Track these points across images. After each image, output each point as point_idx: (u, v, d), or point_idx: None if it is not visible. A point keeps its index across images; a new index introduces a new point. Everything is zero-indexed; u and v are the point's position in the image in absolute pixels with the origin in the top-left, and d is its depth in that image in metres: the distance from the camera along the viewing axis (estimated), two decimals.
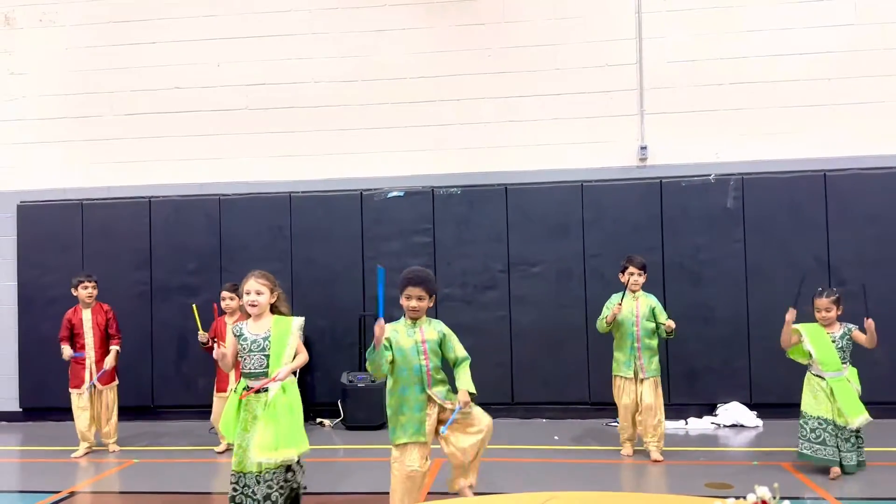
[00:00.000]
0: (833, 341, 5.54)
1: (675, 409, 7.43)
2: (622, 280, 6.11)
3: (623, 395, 6.07)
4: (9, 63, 8.70)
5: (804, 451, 5.48)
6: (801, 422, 5.54)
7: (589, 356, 7.62)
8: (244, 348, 4.19)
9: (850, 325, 5.65)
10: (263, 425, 4.05)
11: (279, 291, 4.34)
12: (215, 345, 4.46)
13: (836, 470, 5.35)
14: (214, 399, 6.70)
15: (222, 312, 6.52)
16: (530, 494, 2.22)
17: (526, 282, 7.82)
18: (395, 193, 8.03)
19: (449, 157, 8.11)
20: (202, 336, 6.37)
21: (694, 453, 6.25)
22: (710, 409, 7.50)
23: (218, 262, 8.14)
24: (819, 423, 5.42)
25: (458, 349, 4.28)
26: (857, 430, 5.44)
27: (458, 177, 8.04)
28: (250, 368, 4.19)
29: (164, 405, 8.08)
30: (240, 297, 6.55)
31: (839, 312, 5.62)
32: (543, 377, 7.72)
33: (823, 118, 7.74)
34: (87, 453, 6.64)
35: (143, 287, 8.20)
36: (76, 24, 8.64)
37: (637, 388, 6.02)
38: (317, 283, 7.97)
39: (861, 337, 5.57)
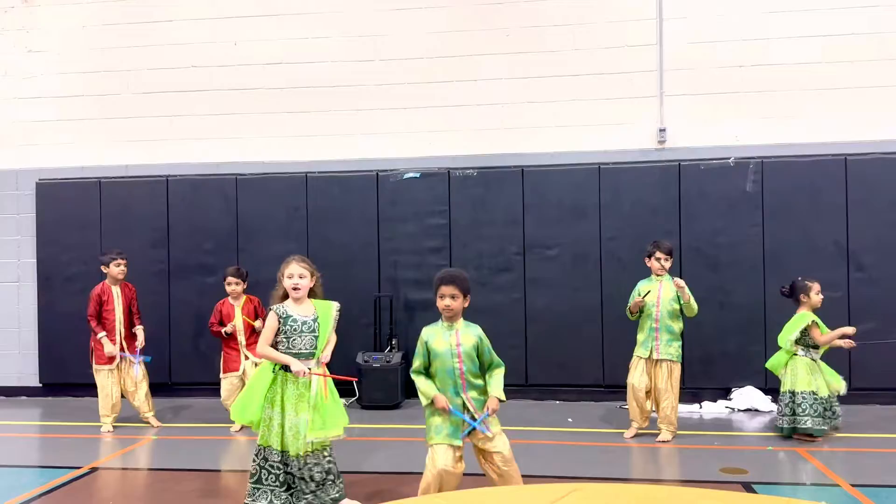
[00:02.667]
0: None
1: (689, 393, 7.44)
2: (648, 265, 6.13)
3: (633, 372, 6.14)
4: (27, 41, 8.72)
5: (810, 426, 5.93)
6: (795, 399, 6.02)
7: (604, 339, 7.62)
8: (294, 329, 4.29)
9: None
10: (315, 407, 4.24)
11: (317, 275, 4.48)
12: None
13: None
14: (223, 379, 6.79)
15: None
16: (553, 485, 2.23)
17: (541, 264, 7.81)
18: (410, 174, 8.01)
19: (465, 139, 8.08)
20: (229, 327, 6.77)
21: (708, 437, 6.26)
22: (725, 393, 7.50)
23: (234, 242, 8.18)
24: (814, 399, 5.99)
25: (493, 355, 4.22)
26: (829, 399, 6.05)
27: (474, 158, 8.01)
28: (300, 348, 4.31)
29: (181, 382, 8.17)
30: (244, 280, 6.83)
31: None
32: (558, 359, 7.74)
33: (845, 102, 7.63)
34: (114, 428, 6.77)
35: (161, 265, 8.26)
36: (93, 1, 8.63)
37: (652, 370, 6.08)
38: (332, 263, 7.93)
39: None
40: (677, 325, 6.06)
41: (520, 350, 7.76)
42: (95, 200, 8.39)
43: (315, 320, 4.35)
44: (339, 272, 7.96)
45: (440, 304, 4.18)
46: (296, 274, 4.35)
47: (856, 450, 5.81)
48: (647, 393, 6.13)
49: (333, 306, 4.46)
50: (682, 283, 5.93)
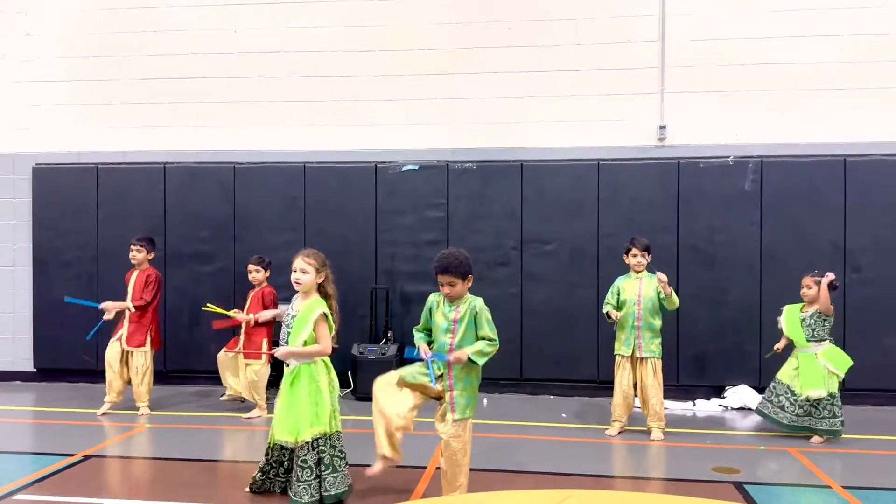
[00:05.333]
0: (802, 320, 6.03)
1: (683, 390, 7.46)
2: (626, 262, 6.19)
3: (618, 372, 6.19)
4: (25, 24, 8.66)
5: (760, 409, 6.24)
6: (771, 384, 6.24)
7: (599, 335, 7.62)
8: (284, 321, 4.48)
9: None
10: (285, 407, 4.35)
11: (326, 272, 4.48)
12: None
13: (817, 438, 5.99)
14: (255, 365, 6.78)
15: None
16: (547, 491, 2.22)
17: (539, 260, 7.80)
18: (409, 167, 7.99)
19: (465, 132, 8.05)
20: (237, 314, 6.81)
21: (700, 436, 6.27)
22: (719, 391, 7.52)
23: (231, 231, 8.16)
24: (784, 389, 6.07)
25: (485, 328, 4.22)
26: (817, 401, 5.91)
27: (473, 152, 7.98)
28: (281, 339, 4.49)
29: (176, 370, 8.16)
30: (265, 268, 6.93)
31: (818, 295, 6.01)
32: (553, 355, 7.74)
33: (847, 102, 7.61)
34: (108, 410, 6.80)
35: (157, 253, 8.19)
36: None
37: (637, 368, 6.11)
38: (329, 254, 7.64)
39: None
40: (658, 322, 6.09)
41: (515, 345, 7.76)
42: (92, 186, 8.36)
43: (293, 317, 4.40)
44: (336, 263, 7.76)
45: (441, 290, 4.25)
46: (298, 269, 4.42)
47: (847, 451, 5.82)
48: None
49: (315, 309, 4.36)
50: (664, 277, 5.91)
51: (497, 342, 4.26)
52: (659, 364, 6.10)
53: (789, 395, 6.02)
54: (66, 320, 8.14)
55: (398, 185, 8.00)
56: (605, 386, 7.57)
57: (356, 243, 7.99)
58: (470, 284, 4.26)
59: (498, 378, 7.81)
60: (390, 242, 8.00)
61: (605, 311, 6.21)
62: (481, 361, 4.20)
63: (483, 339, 4.22)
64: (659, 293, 6.01)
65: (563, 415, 7.01)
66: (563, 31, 7.96)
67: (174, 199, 8.27)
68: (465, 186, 7.91)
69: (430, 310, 4.33)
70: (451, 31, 8.09)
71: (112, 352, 6.80)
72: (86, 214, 8.32)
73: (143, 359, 6.83)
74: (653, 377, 6.05)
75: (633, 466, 5.57)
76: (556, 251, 7.78)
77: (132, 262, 6.93)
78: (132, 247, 6.93)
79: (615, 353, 6.23)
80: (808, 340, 5.98)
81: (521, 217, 7.83)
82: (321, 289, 4.48)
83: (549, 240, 7.79)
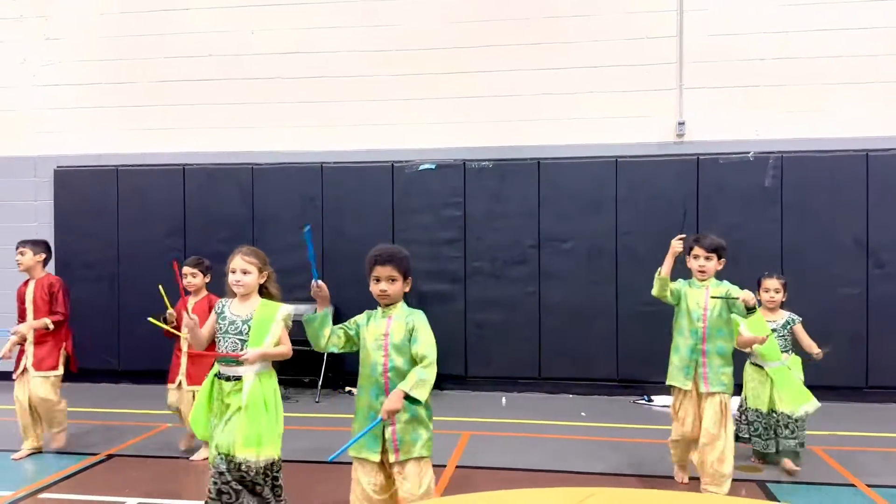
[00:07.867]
0: (774, 330, 5.09)
1: None
2: (689, 265, 4.66)
3: (680, 410, 4.63)
4: (45, 28, 8.76)
5: (742, 435, 5.23)
6: (739, 409, 5.35)
7: (618, 334, 7.59)
8: (221, 328, 3.80)
9: (795, 317, 5.26)
10: (235, 419, 3.65)
11: (269, 271, 3.93)
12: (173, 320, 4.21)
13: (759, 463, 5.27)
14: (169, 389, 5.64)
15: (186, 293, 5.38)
16: (569, 489, 2.21)
17: (556, 258, 7.77)
18: (426, 166, 7.99)
19: (482, 130, 8.04)
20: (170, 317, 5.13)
21: None
22: (740, 389, 7.42)
23: (250, 232, 8.20)
24: (756, 416, 5.20)
25: (422, 344, 3.35)
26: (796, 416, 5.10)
27: (490, 150, 7.97)
28: (223, 349, 3.76)
29: None
30: (204, 273, 5.66)
31: (783, 299, 5.28)
32: (571, 353, 7.71)
33: (867, 96, 7.52)
34: (29, 454, 5.54)
35: (177, 254, 8.24)
36: None
37: (696, 406, 4.56)
38: (347, 254, 7.98)
39: (800, 335, 5.23)
40: (729, 345, 4.51)
41: (533, 343, 7.74)
42: (113, 188, 8.44)
43: (246, 322, 3.75)
44: (353, 263, 7.86)
45: (374, 288, 3.45)
46: (238, 269, 3.82)
47: (872, 449, 5.75)
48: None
49: (280, 310, 3.81)
50: (750, 296, 4.27)
51: (434, 362, 3.33)
52: (728, 401, 4.49)
53: (762, 418, 5.19)
54: (88, 322, 8.22)
55: (415, 184, 8.00)
56: (624, 384, 7.56)
57: (373, 243, 7.80)
58: (408, 289, 3.51)
59: (517, 377, 7.81)
60: (407, 242, 7.96)
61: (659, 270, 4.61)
62: (424, 396, 3.27)
63: (417, 355, 3.34)
64: (729, 307, 4.39)
65: (583, 413, 6.98)
66: (579, 28, 7.92)
67: (193, 200, 8.33)
68: (482, 185, 7.89)
69: (359, 326, 3.50)
70: (466, 29, 8.08)
71: (22, 391, 5.52)
72: (107, 216, 8.40)
73: (49, 387, 5.51)
74: (719, 421, 4.40)
75: (655, 465, 5.52)
76: (573, 249, 7.75)
77: (19, 268, 5.57)
78: (16, 251, 5.58)
79: (668, 382, 4.70)
80: (782, 351, 5.16)
81: (539, 215, 7.80)
82: (263, 290, 3.91)
83: (567, 238, 7.76)
